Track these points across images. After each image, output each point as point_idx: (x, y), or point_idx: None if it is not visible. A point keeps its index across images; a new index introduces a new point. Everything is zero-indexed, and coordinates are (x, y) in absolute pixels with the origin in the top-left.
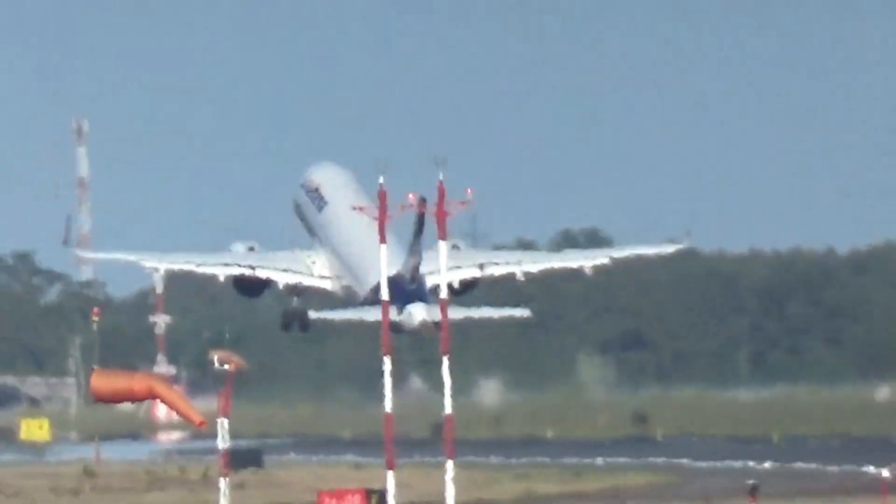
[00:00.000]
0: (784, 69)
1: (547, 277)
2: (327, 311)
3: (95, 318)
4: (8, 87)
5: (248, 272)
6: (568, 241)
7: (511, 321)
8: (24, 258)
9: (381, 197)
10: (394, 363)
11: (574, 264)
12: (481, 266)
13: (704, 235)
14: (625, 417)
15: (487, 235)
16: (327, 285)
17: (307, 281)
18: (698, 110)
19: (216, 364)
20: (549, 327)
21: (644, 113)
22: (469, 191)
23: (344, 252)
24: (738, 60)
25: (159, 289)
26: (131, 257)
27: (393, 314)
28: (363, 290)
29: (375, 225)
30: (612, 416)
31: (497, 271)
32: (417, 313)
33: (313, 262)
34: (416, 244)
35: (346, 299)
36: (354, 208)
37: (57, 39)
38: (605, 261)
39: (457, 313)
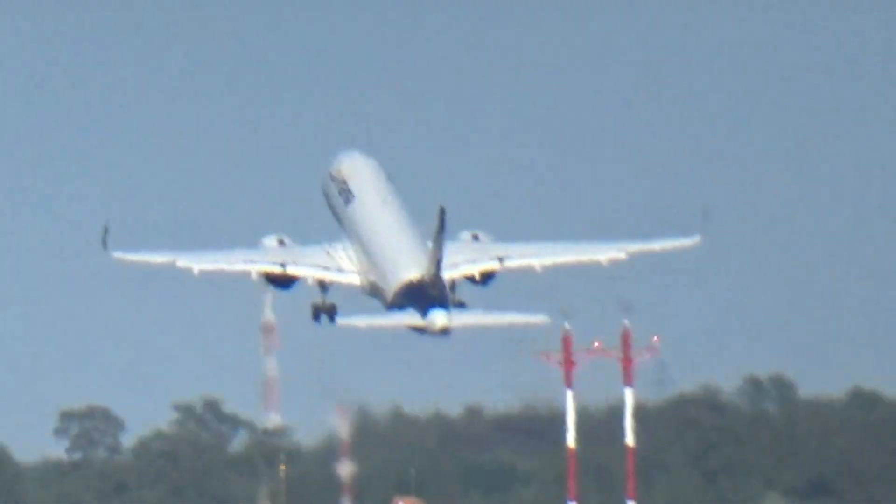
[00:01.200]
0: None
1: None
2: (354, 317)
3: (283, 467)
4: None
5: (277, 269)
6: (754, 386)
7: (528, 326)
8: (212, 406)
9: (566, 344)
10: None
11: (589, 257)
12: (500, 259)
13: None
14: None
15: (674, 382)
16: (354, 280)
17: (336, 277)
18: None
19: None
20: (733, 472)
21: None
22: (656, 338)
23: (370, 249)
24: None
25: (344, 434)
26: (166, 258)
27: (417, 319)
28: (389, 290)
29: (401, 222)
30: None
31: (515, 263)
32: (439, 319)
33: (341, 256)
34: (437, 245)
35: (372, 294)
36: None
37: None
38: (622, 255)
39: (472, 319)
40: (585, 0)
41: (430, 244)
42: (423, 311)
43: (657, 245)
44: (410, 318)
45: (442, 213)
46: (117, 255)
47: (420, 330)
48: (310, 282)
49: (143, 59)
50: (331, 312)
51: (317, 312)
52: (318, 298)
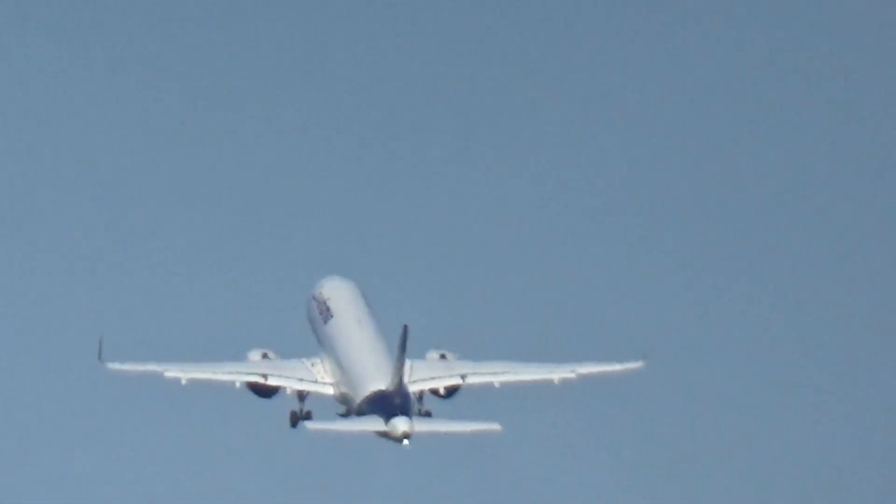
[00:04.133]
0: None
1: None
2: (324, 422)
3: None
4: None
5: (260, 380)
6: None
7: (480, 434)
8: None
9: None
10: None
11: (543, 376)
12: (463, 376)
13: None
14: None
15: None
16: (329, 391)
17: (311, 388)
18: None
19: None
20: None
21: None
22: None
23: (343, 363)
24: None
25: None
26: (155, 368)
27: (380, 425)
28: (357, 399)
29: (373, 339)
30: None
31: (476, 380)
32: (400, 425)
33: (318, 370)
34: (399, 364)
35: (343, 403)
36: None
37: None
38: (572, 375)
39: (431, 426)
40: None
41: (394, 358)
42: (387, 418)
43: (605, 367)
44: (374, 423)
45: (404, 330)
46: (112, 365)
47: (384, 435)
48: (289, 392)
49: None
50: (307, 418)
51: (295, 420)
52: (295, 407)
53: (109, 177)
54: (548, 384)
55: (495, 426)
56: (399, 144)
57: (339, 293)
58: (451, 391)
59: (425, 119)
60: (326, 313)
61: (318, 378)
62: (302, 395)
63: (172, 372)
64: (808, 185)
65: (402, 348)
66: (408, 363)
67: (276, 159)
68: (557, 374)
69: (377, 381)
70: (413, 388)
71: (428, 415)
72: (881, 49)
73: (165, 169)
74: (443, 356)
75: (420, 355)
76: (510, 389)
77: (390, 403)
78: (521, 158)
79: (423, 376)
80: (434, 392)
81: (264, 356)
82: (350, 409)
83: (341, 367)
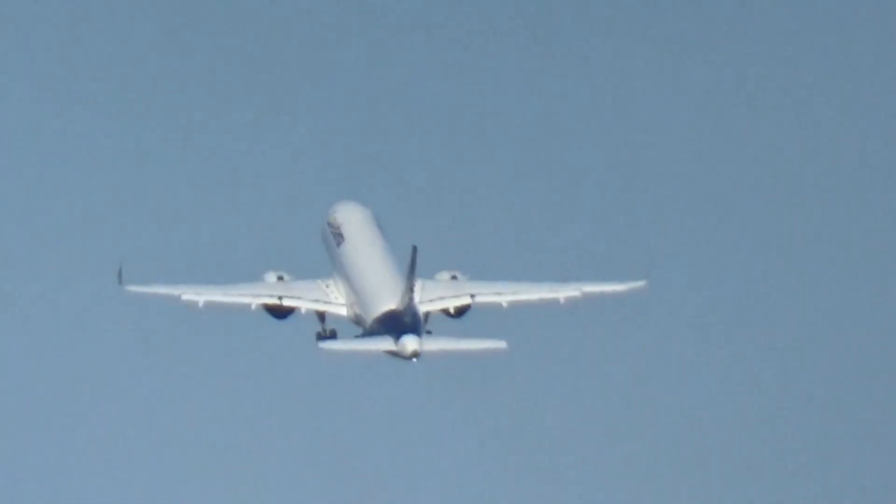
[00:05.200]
0: None
1: None
2: (334, 341)
3: None
4: None
5: (275, 301)
6: None
7: (488, 352)
8: None
9: None
10: None
11: (549, 295)
12: (472, 296)
13: None
14: None
15: None
16: (342, 311)
17: (326, 308)
18: None
19: None
20: None
21: None
22: None
23: (356, 284)
24: None
25: None
26: (172, 291)
27: (390, 344)
28: (369, 319)
29: (384, 261)
30: None
31: (485, 300)
32: (410, 344)
33: (331, 290)
34: (409, 284)
35: (356, 323)
36: None
37: None
38: (577, 294)
39: (439, 345)
40: (557, 60)
41: (403, 278)
42: (397, 337)
43: (609, 287)
44: (385, 342)
45: (414, 251)
46: (131, 287)
47: (393, 353)
48: (303, 311)
49: (158, 106)
50: (332, 337)
51: (320, 339)
52: (319, 328)
53: (131, 104)
54: (554, 303)
55: (501, 344)
56: (410, 75)
57: (352, 218)
58: (461, 311)
59: (432, 53)
60: (340, 237)
61: (333, 299)
62: (321, 316)
63: (189, 294)
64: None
65: (412, 269)
66: (419, 284)
67: (292, 88)
68: (563, 293)
69: (388, 301)
70: (423, 308)
71: (429, 333)
72: (882, 49)
73: (187, 97)
74: (453, 277)
75: (431, 276)
76: (518, 309)
77: (400, 323)
78: (528, 84)
79: (433, 296)
80: (444, 312)
81: (280, 278)
82: (362, 327)
83: (354, 289)
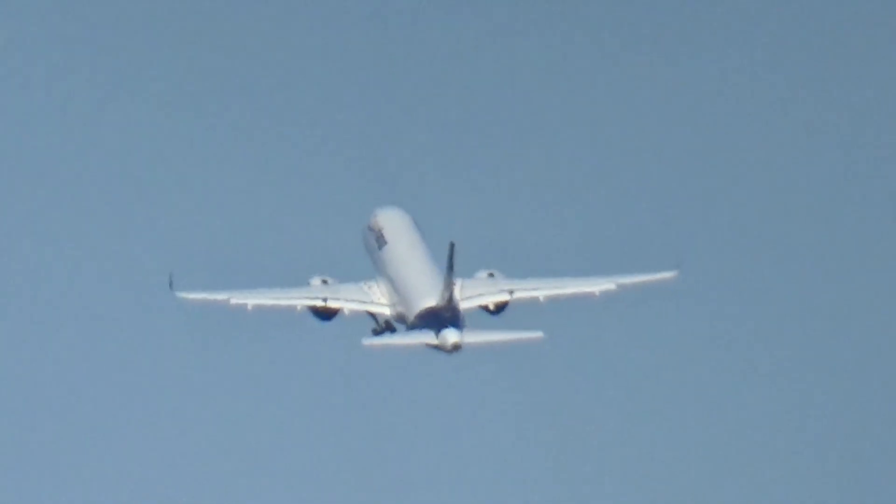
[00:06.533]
0: None
1: None
2: (377, 337)
3: None
4: None
5: (320, 303)
6: None
7: (527, 342)
8: None
9: None
10: None
11: (585, 289)
12: (510, 292)
13: None
14: None
15: None
16: (385, 311)
17: (369, 308)
18: None
19: None
20: None
21: None
22: None
23: (398, 284)
24: None
25: None
26: (221, 296)
27: (432, 338)
28: (411, 316)
29: (424, 262)
30: None
31: (523, 295)
32: (450, 336)
33: (374, 292)
34: (448, 279)
35: (399, 321)
36: None
37: None
38: (612, 286)
39: (479, 337)
40: (578, 58)
41: (443, 275)
42: (437, 331)
43: (642, 278)
44: (426, 336)
45: (451, 247)
46: (181, 293)
47: (435, 347)
48: (346, 312)
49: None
50: (390, 330)
51: (375, 333)
52: (374, 325)
53: (182, 113)
54: (590, 296)
55: (538, 334)
56: (439, 78)
57: (392, 221)
58: (500, 307)
59: (461, 55)
60: (381, 240)
61: (375, 300)
62: (374, 315)
63: (238, 299)
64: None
65: (450, 265)
66: (458, 282)
67: (331, 102)
68: (598, 286)
69: (428, 298)
70: (464, 305)
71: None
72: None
73: (235, 108)
74: (491, 275)
75: (470, 275)
76: (555, 303)
77: (441, 318)
78: (553, 84)
79: (472, 293)
80: (484, 308)
81: (324, 282)
82: (405, 325)
83: (395, 289)
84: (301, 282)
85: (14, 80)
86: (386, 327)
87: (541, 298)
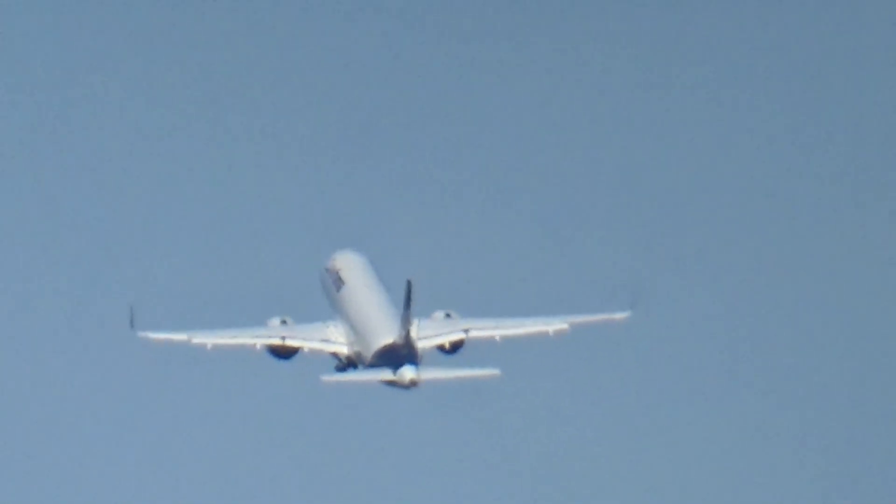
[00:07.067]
0: None
1: None
2: (337, 374)
3: None
4: None
5: (279, 342)
6: None
7: (482, 378)
8: None
9: None
10: None
11: (538, 329)
12: (466, 331)
13: None
14: None
15: None
16: (343, 350)
17: (327, 347)
18: None
19: None
20: None
21: None
22: None
23: (356, 324)
24: None
25: None
26: (182, 336)
27: (389, 375)
28: (369, 354)
29: (381, 302)
30: None
31: (478, 335)
32: (407, 373)
33: (332, 332)
34: (406, 316)
35: (357, 361)
36: None
37: None
38: (565, 326)
39: (435, 373)
40: (541, 96)
41: (400, 313)
42: (395, 368)
43: (594, 318)
44: (384, 373)
45: (408, 285)
46: (142, 333)
47: (393, 384)
48: (306, 351)
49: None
50: (353, 367)
51: (340, 369)
52: (337, 362)
53: (138, 153)
54: (543, 335)
55: (495, 371)
56: (393, 131)
57: (350, 264)
58: (456, 346)
59: (415, 105)
60: (339, 282)
61: (333, 339)
62: (337, 354)
63: (199, 338)
64: (791, 143)
65: (408, 303)
66: (415, 322)
67: (290, 148)
68: (552, 325)
69: (386, 336)
70: (421, 344)
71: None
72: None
73: (193, 149)
74: (447, 315)
75: (427, 315)
76: (510, 342)
77: (398, 355)
78: (508, 129)
79: (429, 333)
80: (440, 347)
81: (283, 322)
82: (363, 363)
83: (354, 329)
84: (260, 322)
85: None
86: (348, 364)
87: (496, 338)
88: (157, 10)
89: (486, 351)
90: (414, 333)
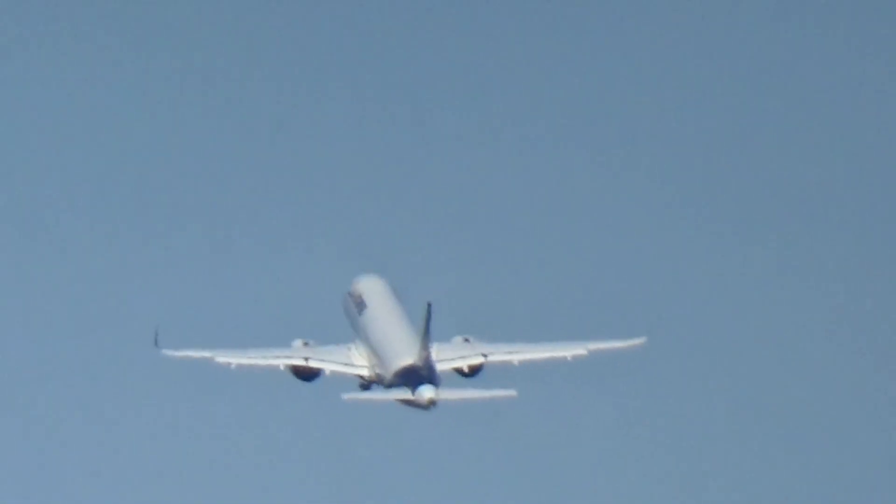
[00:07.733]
0: None
1: None
2: (358, 392)
3: None
4: None
5: (302, 363)
6: None
7: (500, 399)
8: None
9: None
10: None
11: (557, 354)
12: (485, 355)
13: None
14: None
15: None
16: (364, 372)
17: (349, 370)
18: None
19: None
20: None
21: None
22: None
23: (376, 346)
24: None
25: None
26: (206, 354)
27: (408, 394)
28: (388, 375)
29: (401, 324)
30: None
31: (497, 359)
32: (426, 392)
33: (353, 354)
34: (425, 338)
35: (378, 382)
36: None
37: None
38: (583, 352)
39: (454, 394)
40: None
41: (419, 335)
42: (414, 388)
43: (612, 344)
44: (403, 393)
45: (428, 307)
46: (166, 351)
47: (411, 403)
48: (328, 373)
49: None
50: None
51: (364, 388)
52: (360, 381)
53: (166, 171)
54: (561, 360)
55: (512, 392)
56: (417, 159)
57: (371, 288)
58: (475, 370)
59: (432, 115)
60: (361, 305)
61: (354, 361)
62: (361, 376)
63: (222, 357)
64: (803, 165)
65: (427, 325)
66: (434, 346)
67: (313, 172)
68: (570, 351)
69: (406, 357)
70: (439, 367)
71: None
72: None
73: (222, 169)
74: (466, 340)
75: (446, 339)
76: (528, 366)
77: (417, 375)
78: (526, 149)
79: (448, 356)
80: (459, 371)
81: (305, 344)
82: (383, 385)
83: (374, 351)
84: (283, 343)
85: None
86: (370, 385)
87: (514, 362)
88: (159, 10)
89: (504, 375)
90: (433, 355)
